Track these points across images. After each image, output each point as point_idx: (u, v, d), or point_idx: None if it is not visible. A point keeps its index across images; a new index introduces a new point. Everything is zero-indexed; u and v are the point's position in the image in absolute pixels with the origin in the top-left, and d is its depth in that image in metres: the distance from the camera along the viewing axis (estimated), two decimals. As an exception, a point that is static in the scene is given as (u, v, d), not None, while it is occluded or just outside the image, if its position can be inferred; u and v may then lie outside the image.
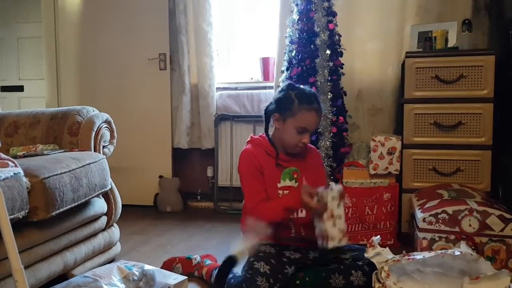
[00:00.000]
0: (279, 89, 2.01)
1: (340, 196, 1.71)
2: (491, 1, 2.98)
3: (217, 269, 1.91)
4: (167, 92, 3.65)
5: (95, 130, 2.27)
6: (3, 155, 1.69)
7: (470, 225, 1.93)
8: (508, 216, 1.90)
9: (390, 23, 3.16)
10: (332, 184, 1.74)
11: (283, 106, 1.91)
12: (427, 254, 1.63)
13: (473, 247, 1.90)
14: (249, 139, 2.05)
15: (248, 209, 1.90)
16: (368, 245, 1.74)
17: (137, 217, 3.33)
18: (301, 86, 1.99)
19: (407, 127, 2.65)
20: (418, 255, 1.64)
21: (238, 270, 1.90)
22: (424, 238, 2.00)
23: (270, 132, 2.01)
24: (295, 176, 1.96)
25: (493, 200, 2.15)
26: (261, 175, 1.91)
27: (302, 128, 1.87)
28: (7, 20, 4.78)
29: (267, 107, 2.00)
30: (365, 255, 1.72)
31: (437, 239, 1.97)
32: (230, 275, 1.86)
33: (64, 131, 2.27)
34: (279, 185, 1.93)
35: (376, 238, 1.74)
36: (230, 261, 1.75)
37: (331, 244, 1.70)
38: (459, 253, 1.60)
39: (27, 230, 1.69)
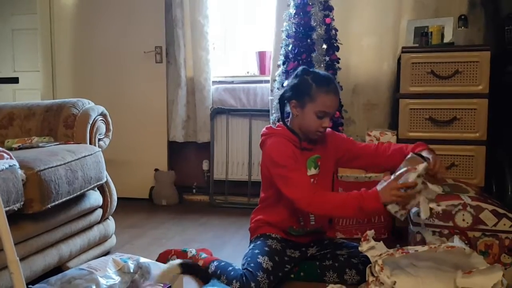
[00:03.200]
0: (293, 75, 1.96)
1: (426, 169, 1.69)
2: (487, -3, 2.99)
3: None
4: (163, 85, 3.65)
5: (91, 122, 2.26)
6: (-2, 147, 1.69)
7: (463, 220, 1.94)
8: (501, 211, 1.92)
9: (386, 18, 3.17)
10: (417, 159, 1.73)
11: (300, 92, 1.88)
12: (420, 248, 1.64)
13: (466, 242, 1.91)
14: (266, 130, 1.98)
15: (300, 200, 1.77)
16: (362, 239, 1.75)
17: (133, 210, 3.33)
18: (316, 70, 1.97)
19: (402, 122, 2.65)
20: (412, 249, 1.65)
21: (235, 263, 1.91)
22: (418, 232, 2.01)
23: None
24: (319, 163, 1.95)
25: (486, 195, 2.16)
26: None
27: (322, 112, 1.84)
28: (2, 11, 4.73)
29: (282, 94, 1.97)
30: (359, 248, 1.73)
31: (431, 233, 1.98)
32: (229, 268, 1.86)
33: (60, 123, 2.26)
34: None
35: (370, 232, 1.75)
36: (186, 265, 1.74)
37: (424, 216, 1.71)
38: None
39: (23, 222, 1.69)
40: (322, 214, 1.92)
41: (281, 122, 1.98)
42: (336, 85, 1.89)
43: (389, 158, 1.91)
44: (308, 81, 1.86)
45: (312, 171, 1.93)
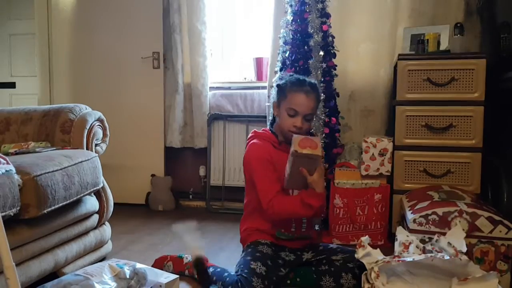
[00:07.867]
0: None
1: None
2: (483, 5, 3.01)
3: (196, 273, 1.98)
4: (160, 91, 3.65)
5: (88, 128, 2.26)
6: (-6, 152, 1.68)
7: (459, 227, 1.95)
8: (497, 218, 1.93)
9: (383, 25, 3.18)
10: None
11: (278, 92, 1.97)
12: (417, 256, 1.64)
13: (462, 249, 1.92)
14: (252, 134, 2.04)
15: (264, 207, 1.88)
16: (357, 246, 1.75)
17: (129, 215, 3.32)
18: (298, 76, 2.03)
19: (398, 128, 2.66)
20: (408, 257, 1.65)
21: (232, 269, 1.91)
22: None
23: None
24: None
25: (482, 202, 2.17)
26: (273, 167, 1.90)
27: (292, 110, 1.89)
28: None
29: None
30: (355, 255, 1.73)
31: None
32: (225, 274, 1.86)
33: (57, 128, 2.26)
34: None
35: (365, 239, 1.76)
36: (199, 262, 1.83)
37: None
38: (448, 256, 1.62)
39: (19, 228, 1.68)
40: (283, 216, 1.96)
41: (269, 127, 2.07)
42: (314, 89, 1.94)
43: None
44: (286, 82, 1.95)
45: None
